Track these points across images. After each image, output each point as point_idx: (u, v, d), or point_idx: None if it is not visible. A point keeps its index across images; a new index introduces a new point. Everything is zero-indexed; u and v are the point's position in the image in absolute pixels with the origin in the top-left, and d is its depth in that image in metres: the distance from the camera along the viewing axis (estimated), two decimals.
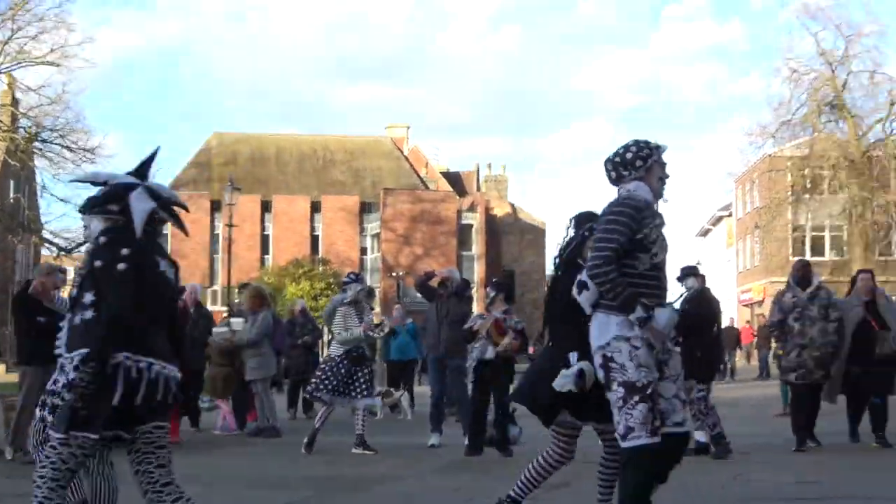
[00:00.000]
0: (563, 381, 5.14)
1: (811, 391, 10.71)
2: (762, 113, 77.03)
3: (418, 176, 55.22)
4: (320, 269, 43.43)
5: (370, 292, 12.18)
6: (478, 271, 47.30)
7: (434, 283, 11.77)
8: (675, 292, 10.31)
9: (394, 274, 45.54)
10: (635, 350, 4.87)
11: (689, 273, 10.93)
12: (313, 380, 11.20)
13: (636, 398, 4.83)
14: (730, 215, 58.77)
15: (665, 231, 5.12)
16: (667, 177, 5.24)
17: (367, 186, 51.78)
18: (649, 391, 4.84)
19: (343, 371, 10.86)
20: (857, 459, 10.13)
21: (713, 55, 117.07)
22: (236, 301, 14.16)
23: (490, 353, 10.51)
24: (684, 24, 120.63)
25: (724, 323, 32.60)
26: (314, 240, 49.23)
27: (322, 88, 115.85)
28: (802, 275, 10.99)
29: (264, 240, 48.71)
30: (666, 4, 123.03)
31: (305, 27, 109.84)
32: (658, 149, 5.21)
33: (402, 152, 56.26)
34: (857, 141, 40.74)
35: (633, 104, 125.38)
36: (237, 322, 13.30)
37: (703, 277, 11.09)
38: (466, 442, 10.96)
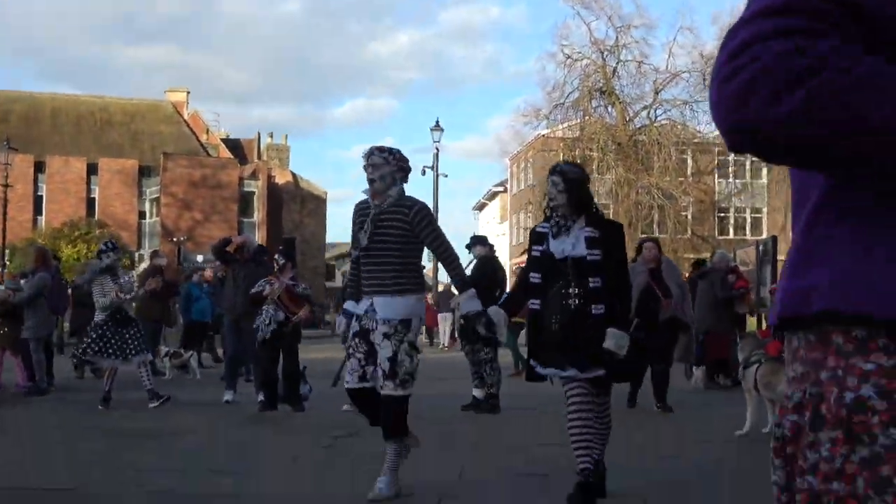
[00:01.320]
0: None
1: None
2: (538, 95, 79.68)
3: (199, 142, 54.55)
4: (97, 231, 42.42)
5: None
6: (259, 238, 47.37)
7: (231, 248, 12.26)
8: (465, 259, 11.22)
9: (174, 239, 45.09)
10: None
11: (476, 242, 11.96)
12: (82, 345, 11.68)
13: None
14: (505, 191, 61.01)
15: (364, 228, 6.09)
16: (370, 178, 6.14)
17: (146, 150, 50.72)
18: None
19: (110, 334, 11.36)
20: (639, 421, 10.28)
21: (499, 33, 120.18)
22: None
23: (280, 317, 11.17)
24: (469, 4, 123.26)
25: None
26: (90, 202, 47.92)
27: (102, 48, 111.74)
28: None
29: (37, 201, 47.08)
30: None
31: None
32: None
33: (182, 117, 55.39)
34: (624, 126, 43.32)
35: (417, 79, 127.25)
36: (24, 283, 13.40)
37: (490, 247, 12.15)
38: (260, 398, 11.59)
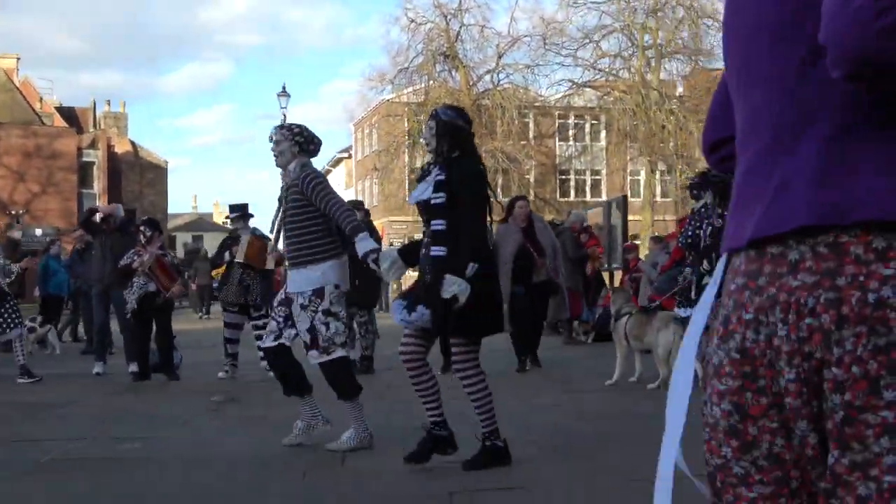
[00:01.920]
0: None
1: None
2: (381, 59, 79.67)
3: (33, 110, 52.63)
4: None
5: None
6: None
7: (97, 218, 12.13)
8: None
9: (12, 212, 43.55)
10: None
11: (354, 207, 12.17)
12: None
13: None
14: (349, 157, 60.97)
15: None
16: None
17: None
18: None
19: None
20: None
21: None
22: None
23: (151, 287, 11.19)
24: None
25: None
26: None
27: None
28: None
29: None
30: None
31: None
32: None
33: (14, 84, 53.26)
34: (468, 90, 43.84)
35: (255, 43, 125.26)
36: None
37: (367, 211, 12.40)
38: (132, 369, 11.59)
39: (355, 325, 11.39)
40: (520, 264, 10.66)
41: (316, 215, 6.21)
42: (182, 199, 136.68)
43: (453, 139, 5.52)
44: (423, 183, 5.60)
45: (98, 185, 48.54)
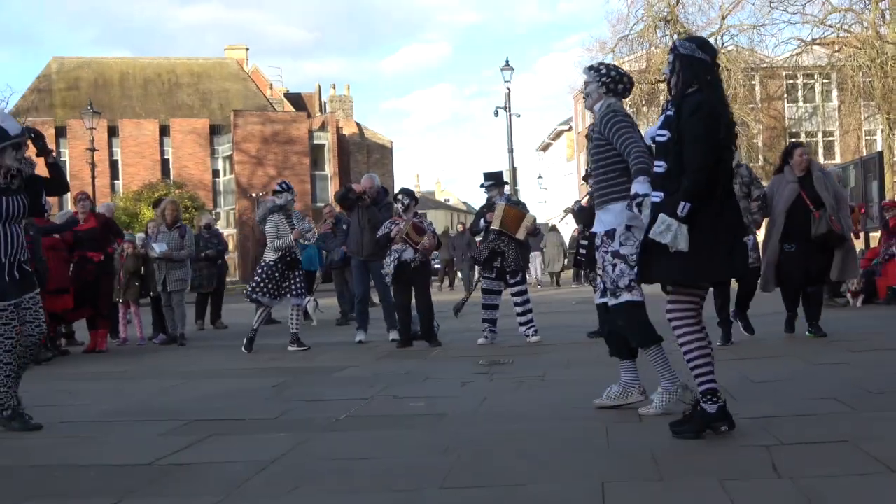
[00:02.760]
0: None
1: (740, 280, 9.89)
2: (601, 28, 78.91)
3: (265, 97, 55.01)
4: (175, 192, 43.18)
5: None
6: (331, 190, 47.83)
7: (357, 192, 12.52)
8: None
9: (253, 195, 45.68)
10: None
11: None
12: (251, 283, 11.96)
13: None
14: (570, 129, 60.80)
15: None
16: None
17: (215, 109, 51.35)
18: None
19: (277, 275, 11.67)
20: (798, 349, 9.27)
21: None
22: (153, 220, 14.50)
23: (409, 255, 11.46)
24: None
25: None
26: (164, 164, 48.72)
27: (153, 11, 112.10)
28: None
29: (113, 165, 47.95)
30: None
31: None
32: None
33: (247, 74, 55.86)
34: None
35: (471, 21, 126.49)
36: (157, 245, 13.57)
37: None
38: (393, 337, 11.96)
39: None
40: (795, 219, 9.90)
41: (613, 155, 6.00)
42: (405, 179, 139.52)
43: (690, 72, 5.11)
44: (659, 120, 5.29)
45: (329, 167, 50.23)
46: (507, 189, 12.05)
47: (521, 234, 11.49)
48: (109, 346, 13.06)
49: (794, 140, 10.68)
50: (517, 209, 11.55)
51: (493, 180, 11.81)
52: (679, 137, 5.01)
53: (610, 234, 6.03)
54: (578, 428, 5.65)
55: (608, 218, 6.04)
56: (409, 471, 4.74)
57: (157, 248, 13.33)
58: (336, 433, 5.94)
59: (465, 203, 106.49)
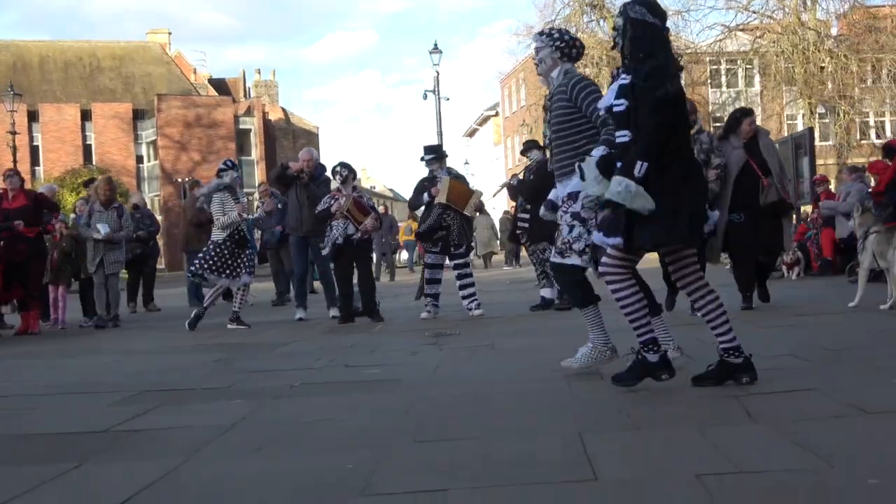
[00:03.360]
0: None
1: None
2: (529, 14, 79.18)
3: (189, 82, 54.18)
4: (98, 177, 42.29)
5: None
6: (258, 175, 47.34)
7: (294, 170, 12.33)
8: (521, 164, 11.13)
9: (178, 180, 44.96)
10: None
11: (532, 146, 12.08)
12: (196, 262, 11.72)
13: None
14: (496, 115, 60.92)
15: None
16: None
17: (138, 93, 50.43)
18: None
19: (227, 253, 11.46)
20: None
21: None
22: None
23: (351, 230, 11.31)
24: None
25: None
26: (87, 149, 47.73)
27: None
28: None
29: (34, 151, 46.82)
30: None
31: None
32: None
33: (170, 58, 54.94)
34: None
35: (395, 9, 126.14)
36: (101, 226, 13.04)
37: (543, 148, 12.25)
38: (334, 314, 11.82)
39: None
40: (742, 187, 9.52)
41: (580, 122, 5.94)
42: (330, 165, 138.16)
43: (641, 39, 5.03)
44: (609, 89, 5.21)
45: (255, 151, 49.68)
46: (447, 162, 11.96)
47: (468, 211, 11.45)
48: (42, 329, 12.68)
49: (741, 107, 10.00)
50: (461, 183, 11.48)
51: (434, 153, 11.72)
52: (636, 104, 4.92)
53: (573, 195, 5.95)
54: (540, 387, 5.59)
55: (573, 182, 5.90)
56: (375, 430, 4.62)
57: (102, 230, 12.86)
58: (293, 399, 5.81)
59: (391, 190, 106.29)
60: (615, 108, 5.05)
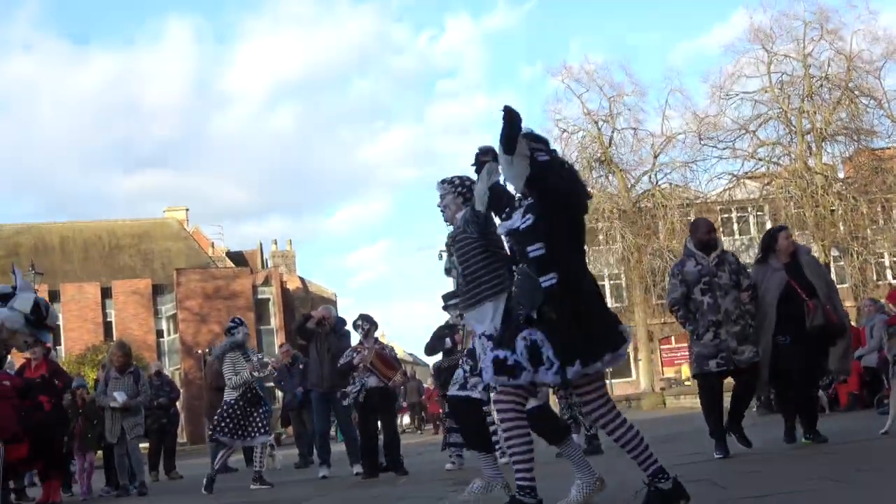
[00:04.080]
0: None
1: (737, 378, 8.87)
2: None
3: (207, 255, 54.97)
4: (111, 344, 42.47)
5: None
6: (276, 343, 47.37)
7: (312, 323, 12.38)
8: None
9: (198, 352, 45.06)
10: None
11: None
12: (212, 423, 11.66)
13: None
14: None
15: None
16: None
17: (157, 268, 51.14)
18: None
19: (239, 413, 11.41)
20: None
21: (488, 125, 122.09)
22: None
23: (373, 382, 11.25)
24: (456, 98, 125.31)
25: None
26: (107, 326, 48.11)
27: (97, 178, 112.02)
28: (707, 238, 8.91)
29: (55, 329, 47.16)
30: (439, 79, 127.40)
31: (76, 115, 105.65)
32: None
33: (188, 233, 55.92)
34: (626, 193, 43.76)
35: (411, 177, 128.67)
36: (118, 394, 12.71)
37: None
38: (357, 471, 11.63)
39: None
40: (786, 311, 8.70)
41: (480, 254, 6.16)
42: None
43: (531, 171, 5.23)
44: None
45: (275, 320, 49.93)
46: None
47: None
48: (63, 500, 12.50)
49: (775, 225, 9.28)
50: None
51: (455, 298, 11.72)
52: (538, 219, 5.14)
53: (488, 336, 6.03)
54: None
55: (483, 316, 6.09)
56: None
57: (119, 398, 12.60)
58: None
59: (410, 354, 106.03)
60: (523, 226, 5.21)
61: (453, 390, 6.33)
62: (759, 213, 47.69)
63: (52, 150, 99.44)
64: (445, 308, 11.72)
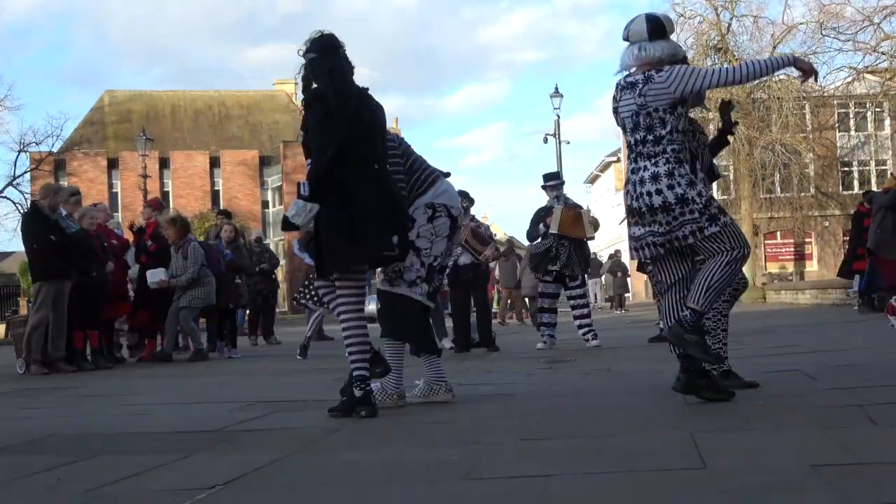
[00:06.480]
0: None
1: None
2: None
3: None
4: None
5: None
6: None
7: None
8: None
9: None
10: None
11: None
12: (298, 291, 11.88)
13: None
14: (618, 160, 60.48)
15: None
16: None
17: (264, 140, 51.75)
18: None
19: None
20: None
21: (611, 8, 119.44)
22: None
23: (466, 259, 11.29)
24: None
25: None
26: (215, 194, 49.14)
27: (222, 51, 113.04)
28: None
29: (164, 196, 48.35)
30: None
31: None
32: None
33: (297, 106, 56.31)
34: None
35: (533, 59, 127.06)
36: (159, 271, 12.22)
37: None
38: (448, 345, 11.70)
39: None
40: None
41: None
42: None
43: (307, 72, 5.46)
44: None
45: None
46: (564, 190, 11.84)
47: (589, 233, 11.33)
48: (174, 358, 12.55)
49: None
50: (574, 210, 11.37)
51: (554, 180, 11.64)
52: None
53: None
54: (654, 400, 5.48)
55: None
56: (485, 429, 4.63)
57: (150, 278, 12.06)
58: (408, 406, 5.80)
59: (511, 238, 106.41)
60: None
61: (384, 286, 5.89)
62: (878, 109, 46.02)
63: (183, 23, 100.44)
64: (543, 187, 11.69)
